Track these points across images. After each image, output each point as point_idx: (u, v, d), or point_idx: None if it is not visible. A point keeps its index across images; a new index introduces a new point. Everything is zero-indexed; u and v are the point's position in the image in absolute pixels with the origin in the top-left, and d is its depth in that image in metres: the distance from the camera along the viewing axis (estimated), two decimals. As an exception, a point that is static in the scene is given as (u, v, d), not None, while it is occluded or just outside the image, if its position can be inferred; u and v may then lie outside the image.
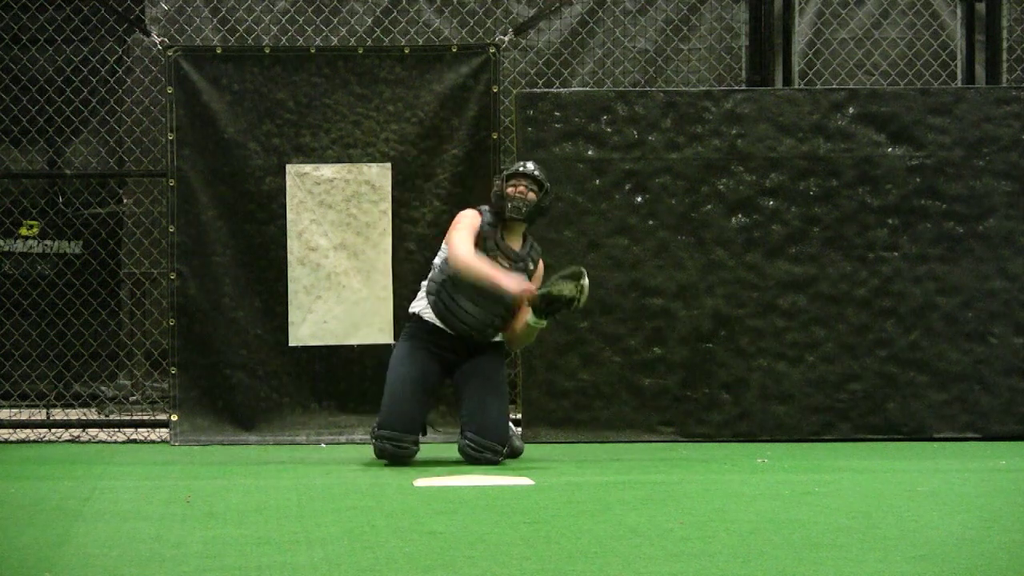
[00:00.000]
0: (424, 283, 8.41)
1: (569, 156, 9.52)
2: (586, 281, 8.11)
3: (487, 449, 8.22)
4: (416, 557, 5.13)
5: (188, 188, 9.52)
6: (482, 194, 9.49)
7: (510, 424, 8.64)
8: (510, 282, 8.11)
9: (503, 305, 8.23)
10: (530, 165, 8.44)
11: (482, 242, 8.28)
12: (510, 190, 8.34)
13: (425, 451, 8.91)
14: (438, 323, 8.31)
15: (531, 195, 8.33)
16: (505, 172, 8.44)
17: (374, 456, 8.54)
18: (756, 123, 9.55)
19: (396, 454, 8.23)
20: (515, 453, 8.62)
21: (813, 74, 10.63)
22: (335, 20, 10.49)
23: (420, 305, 8.40)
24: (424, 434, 8.40)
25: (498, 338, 8.42)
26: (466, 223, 8.29)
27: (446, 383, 8.50)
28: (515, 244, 8.40)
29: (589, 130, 9.53)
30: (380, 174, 9.52)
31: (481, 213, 8.36)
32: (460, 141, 9.58)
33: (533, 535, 5.59)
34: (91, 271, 10.40)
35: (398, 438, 8.22)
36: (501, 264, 8.27)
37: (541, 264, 8.53)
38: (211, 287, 9.51)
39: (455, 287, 8.23)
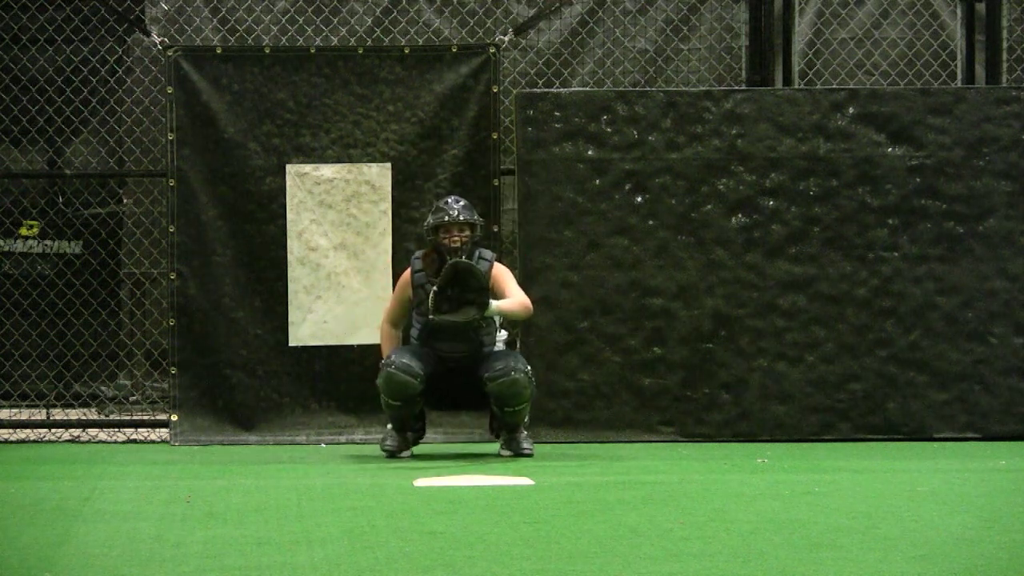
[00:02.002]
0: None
1: (569, 156, 9.52)
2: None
3: (510, 369, 8.40)
4: (416, 557, 5.13)
5: (188, 188, 9.52)
6: (482, 194, 9.49)
7: (522, 431, 8.67)
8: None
9: (474, 333, 8.56)
10: (454, 211, 8.58)
11: (418, 291, 8.57)
12: (445, 241, 8.56)
13: (425, 451, 8.91)
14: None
15: (465, 237, 8.59)
16: (432, 221, 8.59)
17: (382, 451, 8.58)
18: (756, 123, 9.55)
19: (405, 383, 8.36)
20: (521, 453, 8.63)
21: (813, 74, 10.63)
22: (335, 20, 10.49)
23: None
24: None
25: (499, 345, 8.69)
26: (395, 292, 8.82)
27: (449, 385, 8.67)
28: None
29: (589, 130, 9.53)
30: (380, 174, 9.52)
31: (412, 266, 8.65)
32: (460, 141, 9.57)
33: (533, 535, 5.59)
34: (91, 271, 10.41)
35: (405, 366, 8.38)
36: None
37: (497, 270, 8.66)
38: (211, 287, 9.51)
39: (429, 337, 8.57)
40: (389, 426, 8.67)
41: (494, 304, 8.43)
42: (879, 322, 9.53)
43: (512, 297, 8.57)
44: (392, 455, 8.59)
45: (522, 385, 8.44)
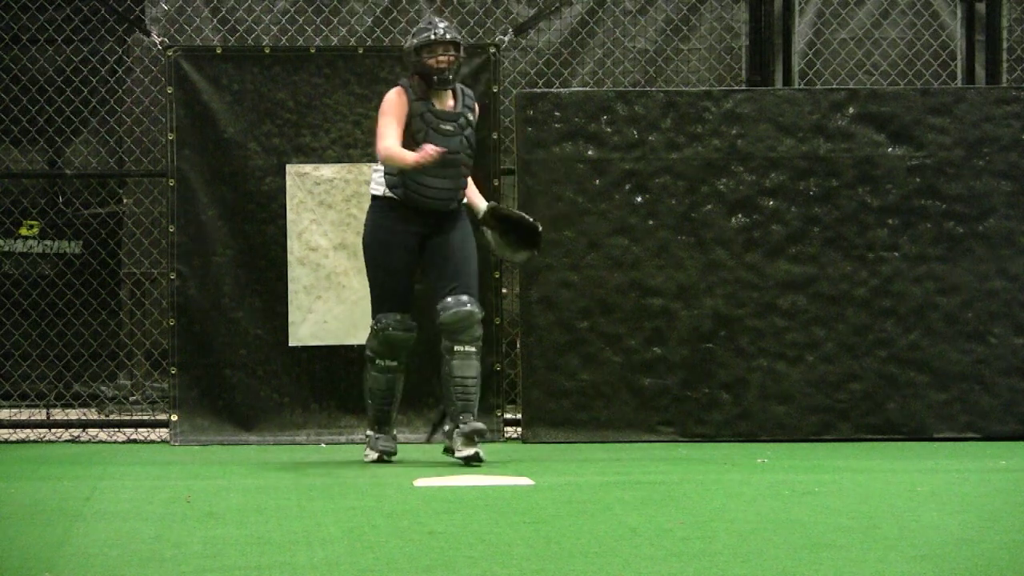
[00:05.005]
0: (376, 166, 8.32)
1: (569, 156, 9.52)
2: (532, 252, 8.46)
3: (468, 302, 8.21)
4: (416, 557, 5.13)
5: (188, 188, 9.52)
6: (483, 193, 9.48)
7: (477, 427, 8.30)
8: (416, 156, 8.04)
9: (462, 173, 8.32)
10: (441, 28, 8.24)
11: (415, 120, 8.21)
12: (431, 62, 8.19)
13: (425, 451, 8.90)
14: (403, 201, 8.23)
15: (451, 57, 8.22)
16: (416, 42, 8.22)
17: (373, 454, 8.44)
18: (756, 123, 9.55)
19: (399, 338, 8.27)
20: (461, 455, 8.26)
21: (813, 74, 10.63)
22: (335, 20, 10.49)
23: (381, 188, 8.31)
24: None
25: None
26: (390, 111, 8.24)
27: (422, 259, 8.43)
28: (448, 104, 8.32)
29: (589, 130, 9.53)
30: (380, 174, 9.51)
31: (404, 90, 8.27)
32: (460, 141, 9.56)
33: (533, 535, 5.59)
34: (91, 271, 10.41)
35: (399, 321, 8.26)
36: (444, 129, 8.22)
37: (477, 107, 8.50)
38: (211, 287, 9.51)
39: (418, 169, 8.16)
40: (369, 432, 8.45)
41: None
42: (879, 322, 9.53)
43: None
44: (388, 456, 8.45)
45: (476, 317, 8.21)
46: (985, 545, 5.35)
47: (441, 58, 8.19)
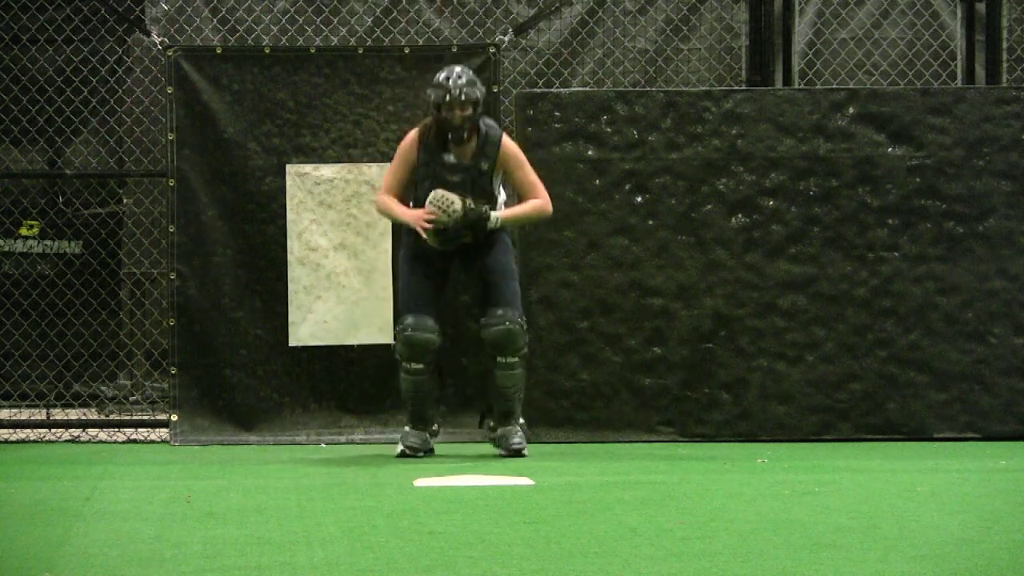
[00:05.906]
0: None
1: (569, 156, 9.51)
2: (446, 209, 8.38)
3: (506, 319, 8.47)
4: (416, 557, 5.13)
5: (188, 188, 9.52)
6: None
7: (516, 426, 8.69)
8: (409, 216, 8.47)
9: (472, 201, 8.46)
10: (456, 89, 8.38)
11: (420, 168, 8.51)
12: (447, 118, 8.42)
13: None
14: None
15: (468, 113, 8.42)
16: (434, 99, 8.43)
17: (403, 449, 8.54)
18: (756, 123, 9.55)
19: (418, 340, 8.43)
20: (512, 451, 8.62)
21: (813, 74, 10.63)
22: (335, 20, 10.49)
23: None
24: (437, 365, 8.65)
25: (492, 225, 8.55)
26: (398, 156, 8.63)
27: (453, 277, 8.75)
28: (464, 154, 8.49)
29: (589, 130, 9.53)
30: (380, 174, 9.49)
31: (421, 133, 8.54)
32: (460, 141, 9.56)
33: (533, 535, 5.60)
34: (91, 271, 10.41)
35: (417, 322, 8.41)
36: (451, 180, 8.44)
37: (506, 148, 8.54)
38: (211, 287, 9.51)
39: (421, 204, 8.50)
40: (407, 427, 8.67)
41: (496, 215, 8.46)
42: (879, 322, 9.53)
43: (525, 190, 8.58)
44: (413, 452, 8.57)
45: (516, 335, 8.51)
46: (985, 545, 5.35)
47: (457, 117, 8.42)
